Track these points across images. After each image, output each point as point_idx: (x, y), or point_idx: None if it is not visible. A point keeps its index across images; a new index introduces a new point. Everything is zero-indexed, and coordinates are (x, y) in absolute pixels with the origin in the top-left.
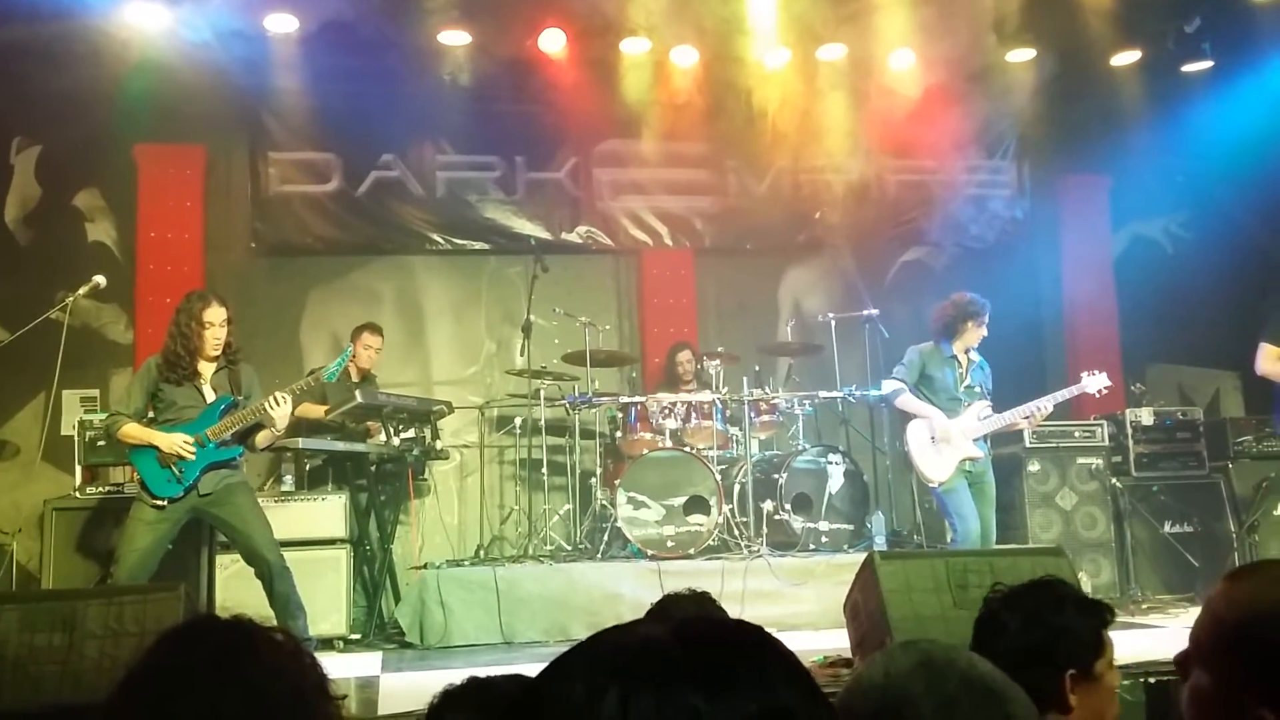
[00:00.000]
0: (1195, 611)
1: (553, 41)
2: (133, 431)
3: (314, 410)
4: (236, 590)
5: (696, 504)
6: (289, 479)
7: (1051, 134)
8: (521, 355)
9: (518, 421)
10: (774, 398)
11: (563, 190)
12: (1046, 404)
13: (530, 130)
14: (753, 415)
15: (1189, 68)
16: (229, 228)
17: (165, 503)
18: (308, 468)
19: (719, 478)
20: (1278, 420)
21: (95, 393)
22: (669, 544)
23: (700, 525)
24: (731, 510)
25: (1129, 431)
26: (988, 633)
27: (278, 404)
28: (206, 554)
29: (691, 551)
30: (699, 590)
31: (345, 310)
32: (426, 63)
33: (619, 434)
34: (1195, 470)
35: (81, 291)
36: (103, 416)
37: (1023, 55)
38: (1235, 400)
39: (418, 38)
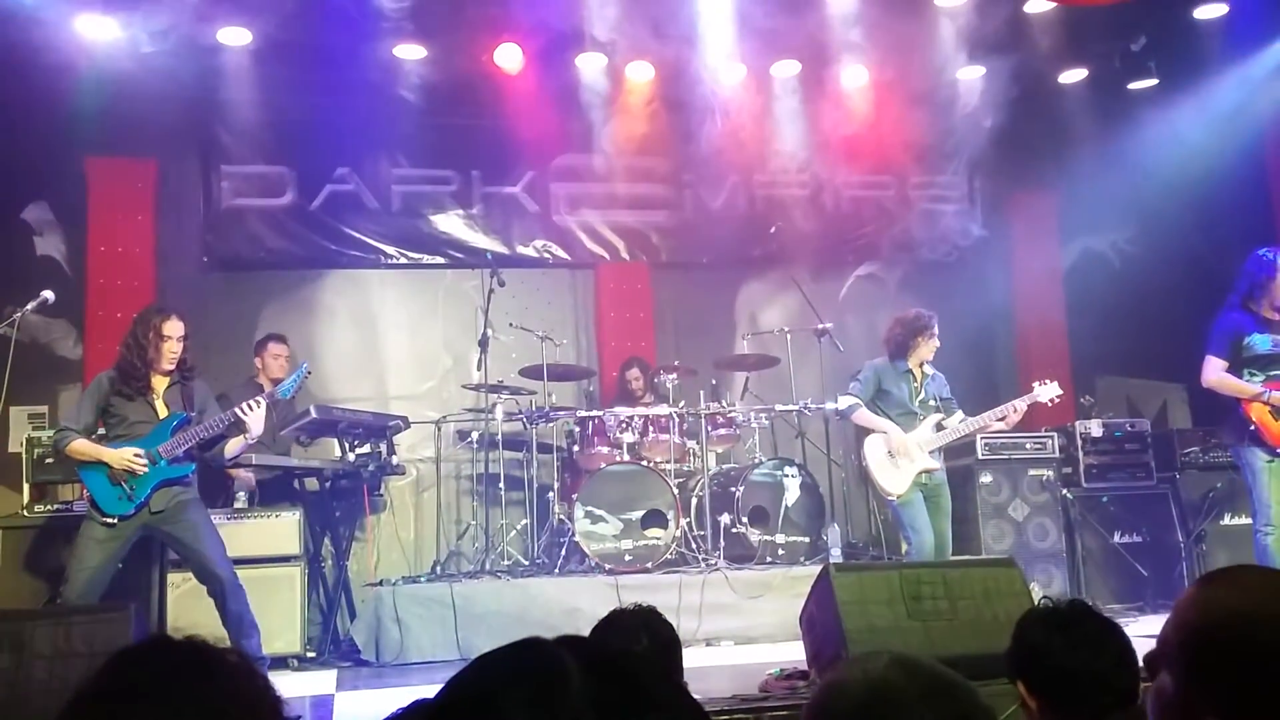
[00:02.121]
0: (1145, 620)
1: (509, 57)
2: (81, 448)
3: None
4: (189, 609)
5: (654, 518)
6: (242, 495)
7: (1002, 151)
8: (478, 369)
9: (475, 436)
10: (730, 411)
11: (519, 204)
12: (995, 415)
13: (487, 144)
14: (709, 429)
15: (1135, 85)
16: (181, 242)
17: (116, 520)
18: (258, 483)
19: (676, 491)
20: (1225, 432)
21: (44, 409)
22: (626, 558)
23: (658, 539)
24: (689, 523)
25: (1079, 443)
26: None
27: (252, 409)
28: (158, 572)
29: (649, 565)
30: (645, 605)
31: (300, 325)
32: (382, 76)
33: (576, 448)
34: (1143, 481)
35: (29, 307)
36: (51, 433)
37: (973, 73)
38: (1182, 412)
39: (373, 52)
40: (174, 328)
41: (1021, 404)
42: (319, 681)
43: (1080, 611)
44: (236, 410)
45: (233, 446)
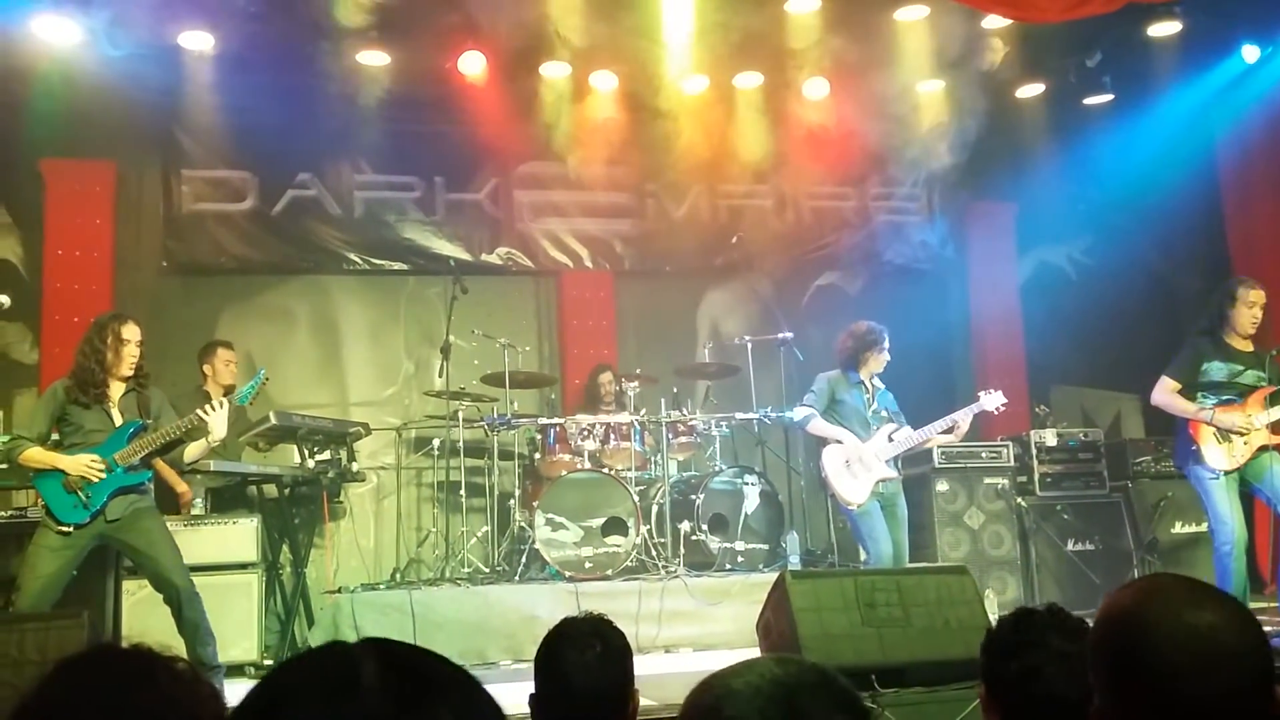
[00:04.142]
0: None
1: (472, 64)
2: (35, 456)
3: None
4: (144, 616)
5: (614, 525)
6: (199, 502)
7: (960, 163)
8: (440, 376)
9: (436, 443)
10: (691, 419)
11: (483, 211)
12: (941, 426)
13: (450, 151)
14: (670, 437)
15: (1090, 100)
16: (140, 246)
17: (71, 529)
18: (215, 490)
19: (637, 499)
20: (1175, 454)
21: None
22: (587, 565)
23: (618, 546)
24: (649, 531)
25: (1034, 452)
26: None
27: (212, 410)
28: (113, 579)
29: (609, 573)
30: (596, 613)
31: (259, 331)
32: (345, 82)
33: (538, 455)
34: (1097, 490)
35: None
36: (5, 439)
37: (933, 86)
38: (1136, 422)
39: (336, 58)
40: (132, 332)
41: (967, 414)
42: None
43: (1032, 617)
44: (198, 413)
45: (193, 451)
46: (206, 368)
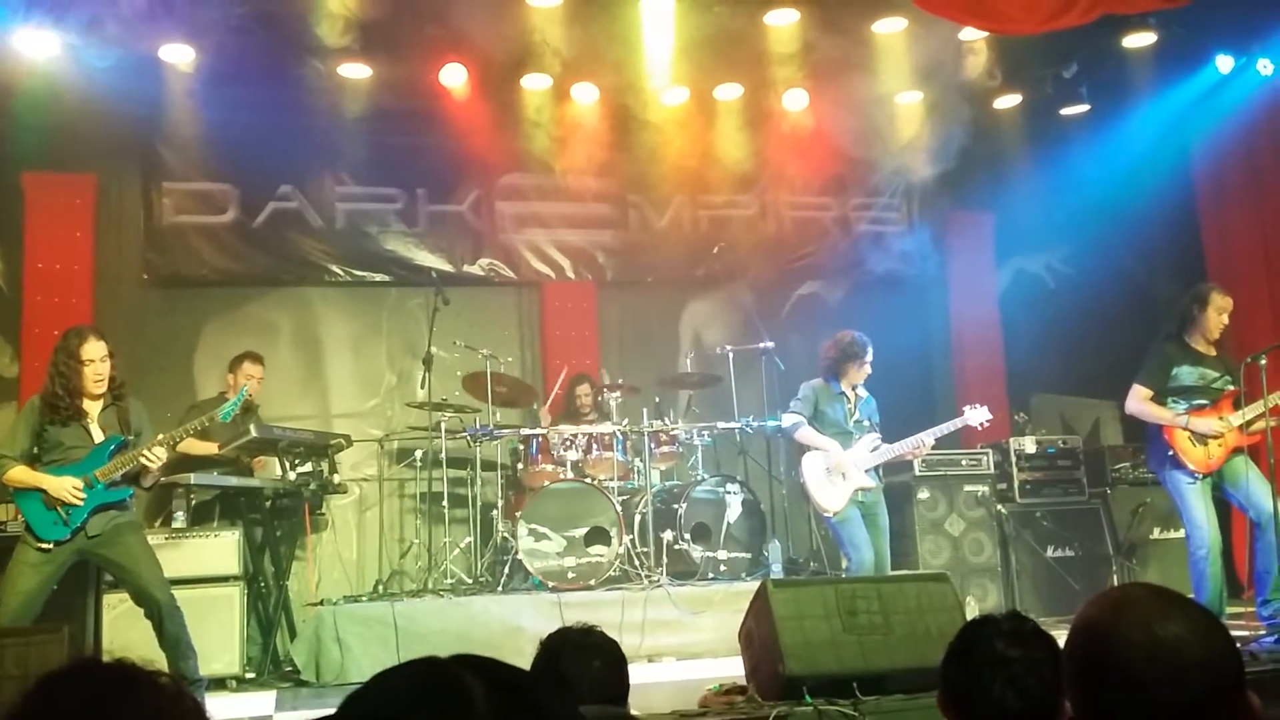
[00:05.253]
0: None
1: (454, 76)
2: (19, 475)
3: (205, 446)
4: (125, 630)
5: (597, 535)
6: (181, 515)
7: (939, 173)
8: (422, 388)
9: (418, 454)
10: (673, 429)
11: (465, 223)
12: (928, 437)
13: (432, 163)
14: (653, 446)
15: (1067, 111)
16: (121, 259)
17: (51, 545)
18: (197, 503)
19: (619, 508)
20: (1149, 459)
21: None
22: (570, 575)
23: (601, 556)
24: (632, 540)
25: (1013, 459)
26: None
27: (161, 448)
28: (94, 594)
29: (592, 582)
30: (589, 624)
31: (241, 343)
32: (327, 95)
33: (520, 466)
34: (1076, 496)
35: None
36: None
37: (912, 97)
38: (1114, 429)
39: (318, 70)
40: (93, 350)
41: (949, 428)
42: (258, 702)
43: (983, 623)
44: (142, 451)
45: (146, 479)
46: (230, 377)
